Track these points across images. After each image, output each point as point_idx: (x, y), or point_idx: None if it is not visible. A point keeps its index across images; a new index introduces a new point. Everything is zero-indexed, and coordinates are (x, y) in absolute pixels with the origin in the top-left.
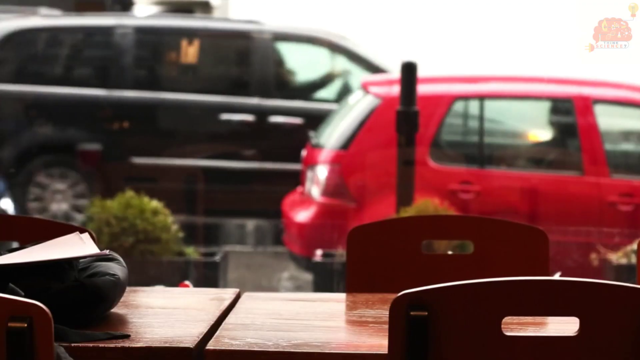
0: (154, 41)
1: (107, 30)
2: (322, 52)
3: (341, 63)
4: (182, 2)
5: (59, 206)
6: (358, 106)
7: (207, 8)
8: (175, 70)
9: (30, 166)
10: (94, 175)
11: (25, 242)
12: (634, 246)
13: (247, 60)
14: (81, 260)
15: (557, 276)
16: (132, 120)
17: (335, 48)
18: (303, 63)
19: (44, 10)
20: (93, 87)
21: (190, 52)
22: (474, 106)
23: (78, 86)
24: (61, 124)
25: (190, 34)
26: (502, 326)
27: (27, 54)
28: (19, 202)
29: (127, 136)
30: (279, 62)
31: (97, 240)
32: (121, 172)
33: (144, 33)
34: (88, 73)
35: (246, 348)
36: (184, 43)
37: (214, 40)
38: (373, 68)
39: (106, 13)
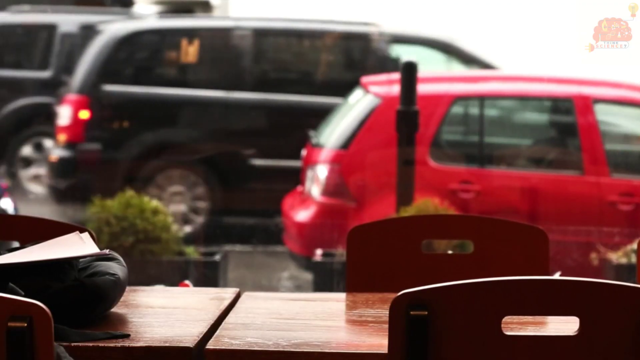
0: (271, 43)
1: (224, 32)
2: (437, 54)
3: (456, 64)
4: (181, 2)
5: (177, 207)
6: (358, 106)
7: (207, 7)
8: (291, 72)
9: (150, 167)
10: (211, 177)
11: (25, 242)
12: (634, 246)
13: (364, 62)
14: (81, 259)
15: (557, 276)
16: (250, 122)
17: (450, 49)
18: (419, 65)
19: (137, 11)
20: (210, 89)
21: (306, 54)
22: (474, 106)
23: (195, 88)
24: (180, 126)
25: (305, 35)
26: (502, 326)
27: (143, 55)
28: None
29: (246, 138)
30: (395, 64)
31: (97, 240)
32: (239, 174)
33: (261, 35)
34: (205, 75)
35: (246, 348)
36: (299, 44)
37: (331, 42)
38: (488, 68)
39: (224, 16)
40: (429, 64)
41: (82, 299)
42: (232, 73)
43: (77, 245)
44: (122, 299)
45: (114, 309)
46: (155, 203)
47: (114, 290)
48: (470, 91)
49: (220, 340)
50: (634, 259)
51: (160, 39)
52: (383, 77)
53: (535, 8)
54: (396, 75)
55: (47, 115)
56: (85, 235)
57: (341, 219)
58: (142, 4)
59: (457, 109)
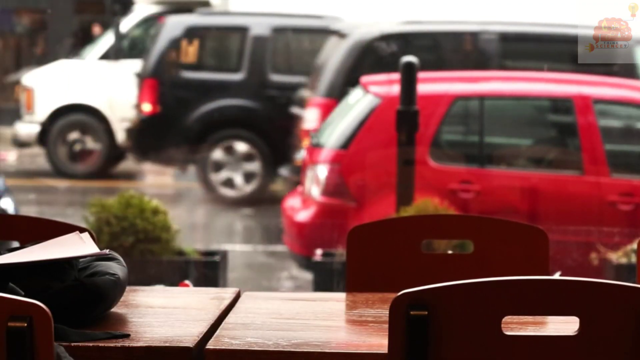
0: (513, 47)
1: (469, 37)
2: None
3: None
4: (181, 2)
5: None
6: (358, 105)
7: (207, 7)
8: None
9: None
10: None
11: (25, 242)
12: (634, 246)
13: (608, 68)
14: (81, 259)
15: (557, 276)
16: None
17: None
18: None
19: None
20: None
21: (548, 59)
22: (474, 106)
23: None
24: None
25: (547, 40)
26: (502, 326)
27: (389, 59)
28: None
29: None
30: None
31: (97, 240)
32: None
33: (505, 39)
34: None
35: (246, 347)
36: (541, 49)
37: (552, 46)
38: None
39: (469, 20)
40: None
41: (82, 299)
42: None
43: (77, 245)
44: (122, 299)
45: (114, 309)
46: (155, 203)
47: (114, 290)
48: (470, 91)
49: (220, 340)
50: (634, 259)
51: (405, 43)
52: (383, 77)
53: (535, 8)
54: (396, 75)
55: (240, 118)
56: (85, 235)
57: (341, 219)
58: (141, 3)
59: (457, 109)
